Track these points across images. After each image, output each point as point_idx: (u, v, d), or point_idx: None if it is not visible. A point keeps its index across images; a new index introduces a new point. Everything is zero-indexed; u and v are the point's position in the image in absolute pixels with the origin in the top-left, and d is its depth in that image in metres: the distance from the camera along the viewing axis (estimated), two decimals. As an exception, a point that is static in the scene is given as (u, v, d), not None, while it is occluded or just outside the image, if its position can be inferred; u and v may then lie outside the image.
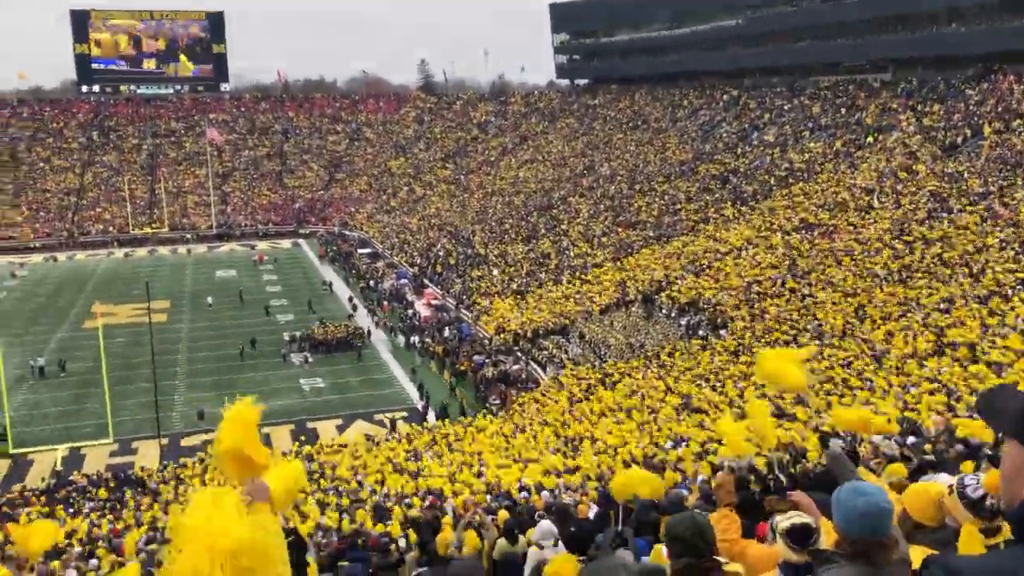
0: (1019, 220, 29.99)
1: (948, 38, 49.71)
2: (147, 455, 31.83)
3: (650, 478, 9.12)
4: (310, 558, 10.51)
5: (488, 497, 17.64)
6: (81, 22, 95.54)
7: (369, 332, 46.79)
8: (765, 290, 34.66)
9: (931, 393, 18.75)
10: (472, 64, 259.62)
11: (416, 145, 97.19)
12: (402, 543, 12.27)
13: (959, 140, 40.13)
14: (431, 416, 35.08)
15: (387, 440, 31.64)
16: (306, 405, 37.20)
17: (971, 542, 3.52)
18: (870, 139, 46.36)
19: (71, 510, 25.01)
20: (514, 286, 49.50)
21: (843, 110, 53.02)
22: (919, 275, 29.38)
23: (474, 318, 46.98)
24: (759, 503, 7.31)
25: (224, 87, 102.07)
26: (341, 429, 34.35)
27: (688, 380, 28.94)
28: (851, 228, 36.62)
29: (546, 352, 39.42)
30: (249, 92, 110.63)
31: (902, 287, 29.17)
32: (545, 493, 16.28)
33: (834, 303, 30.45)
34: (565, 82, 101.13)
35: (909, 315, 26.53)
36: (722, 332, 33.15)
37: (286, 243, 79.11)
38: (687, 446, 19.23)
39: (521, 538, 8.91)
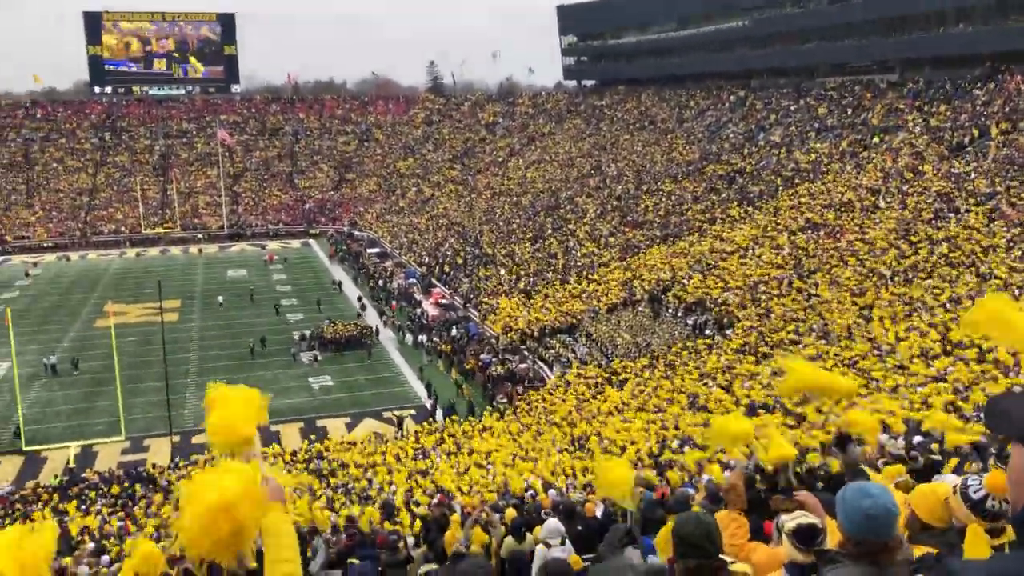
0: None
1: (955, 38, 49.57)
2: (159, 452, 32.05)
3: (620, 481, 7.98)
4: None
5: (496, 495, 17.74)
6: (94, 24, 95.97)
7: (377, 331, 46.97)
8: (771, 290, 34.68)
9: (938, 392, 18.79)
10: (480, 66, 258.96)
11: (425, 146, 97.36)
12: (410, 541, 12.39)
13: (966, 140, 40.05)
14: (439, 414, 35.23)
15: (395, 439, 31.80)
16: (315, 403, 37.39)
17: (977, 543, 3.54)
18: (876, 139, 46.28)
19: (83, 507, 25.24)
20: (521, 285, 49.59)
21: (849, 111, 52.91)
22: (924, 275, 29.35)
23: (481, 317, 47.10)
24: (765, 502, 7.40)
25: (235, 88, 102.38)
26: (350, 427, 34.54)
27: (695, 379, 29.00)
28: (857, 228, 36.59)
29: (553, 351, 39.53)
30: (260, 93, 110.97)
31: (908, 287, 29.16)
32: (552, 491, 16.37)
33: (840, 303, 30.45)
34: (572, 83, 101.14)
35: (915, 315, 26.53)
36: (728, 331, 33.19)
37: (296, 243, 79.37)
38: (698, 449, 19.28)
39: (529, 536, 9.00)
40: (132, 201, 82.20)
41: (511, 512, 11.88)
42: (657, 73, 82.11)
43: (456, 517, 12.85)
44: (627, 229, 52.30)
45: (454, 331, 45.40)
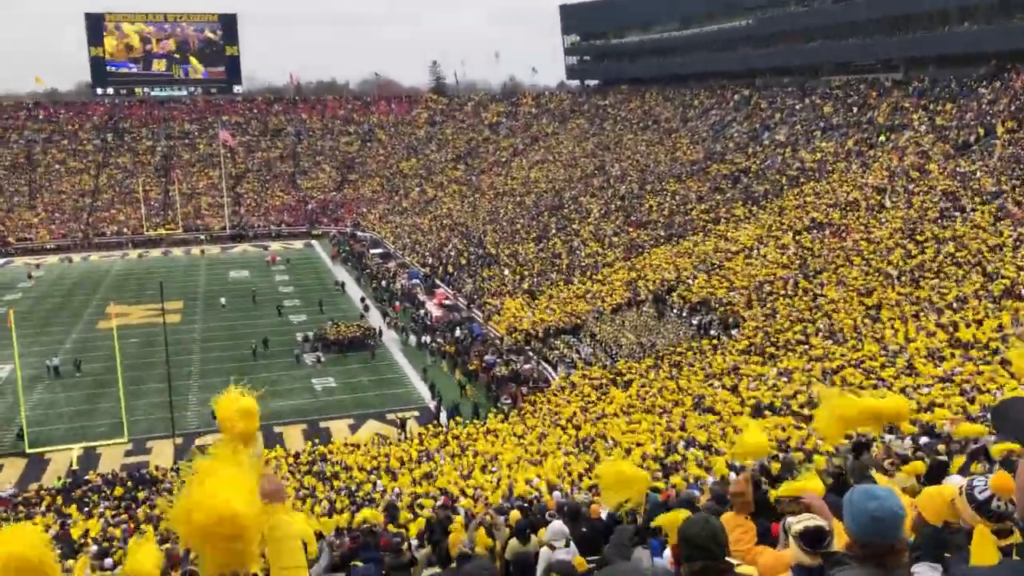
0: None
1: (960, 37, 49.42)
2: (161, 454, 32.01)
3: (635, 479, 7.49)
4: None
5: (500, 498, 17.69)
6: (95, 25, 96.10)
7: (381, 332, 46.94)
8: (776, 290, 34.58)
9: (945, 394, 18.69)
10: (483, 66, 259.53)
11: (428, 146, 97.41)
12: (414, 543, 12.33)
13: (971, 139, 39.92)
14: (442, 416, 35.17)
15: (399, 440, 31.75)
16: (318, 405, 37.34)
17: (983, 545, 3.52)
18: (882, 138, 46.16)
19: (86, 509, 25.21)
20: (525, 286, 49.54)
21: (854, 109, 52.81)
22: (931, 275, 29.23)
23: (485, 318, 47.04)
24: (771, 505, 7.31)
25: (237, 89, 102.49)
26: (353, 429, 34.46)
27: (700, 380, 28.91)
28: (863, 228, 36.49)
29: (557, 352, 39.45)
30: (261, 94, 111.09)
31: (914, 287, 29.04)
32: (556, 493, 16.32)
33: (846, 303, 30.34)
34: (575, 83, 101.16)
35: (922, 315, 26.42)
36: (733, 332, 33.09)
37: (299, 244, 79.39)
38: (704, 451, 19.22)
39: (533, 538, 8.94)
40: (134, 202, 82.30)
41: (515, 514, 11.82)
42: (660, 72, 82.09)
43: (460, 519, 12.80)
44: (631, 229, 52.24)
45: (458, 332, 45.33)
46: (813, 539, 3.80)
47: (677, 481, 14.49)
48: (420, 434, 32.02)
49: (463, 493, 20.26)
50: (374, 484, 23.90)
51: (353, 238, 77.18)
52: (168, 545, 15.82)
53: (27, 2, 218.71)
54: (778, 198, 45.65)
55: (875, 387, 21.32)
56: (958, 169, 37.38)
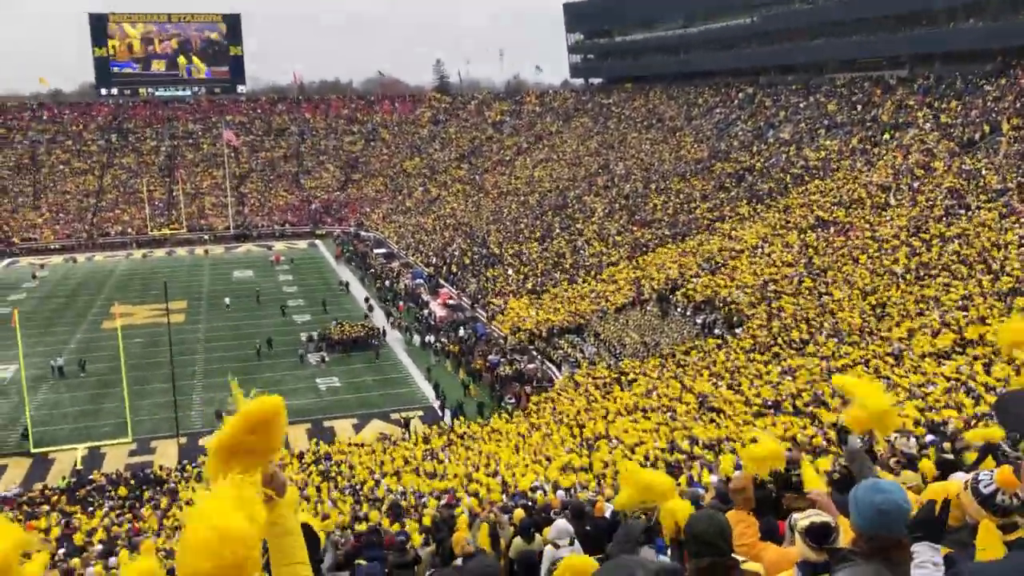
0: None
1: (966, 34, 49.27)
2: (166, 454, 32.06)
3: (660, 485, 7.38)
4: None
5: (504, 496, 17.67)
6: (99, 26, 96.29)
7: (385, 332, 46.94)
8: (781, 288, 34.50)
9: (951, 391, 18.62)
10: (487, 65, 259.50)
11: (431, 145, 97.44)
12: (418, 541, 12.32)
13: (977, 136, 39.79)
14: (446, 416, 35.17)
15: (403, 440, 31.74)
16: (322, 404, 37.36)
17: (989, 540, 3.50)
18: (887, 136, 46.05)
19: (90, 509, 25.24)
20: (529, 285, 49.51)
21: (859, 107, 52.68)
22: (937, 272, 29.14)
23: (489, 317, 47.02)
24: (777, 501, 7.27)
25: (241, 89, 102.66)
26: (357, 428, 34.48)
27: (704, 379, 28.86)
28: (867, 226, 36.40)
29: (561, 351, 39.42)
30: (265, 94, 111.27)
31: (919, 285, 28.96)
32: (560, 492, 16.29)
33: (851, 301, 30.26)
34: (580, 81, 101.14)
35: (927, 313, 26.33)
36: (737, 331, 33.02)
37: (302, 243, 79.48)
38: (709, 450, 19.17)
39: (537, 536, 8.92)
40: (138, 202, 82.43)
41: (519, 513, 11.81)
42: (665, 70, 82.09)
43: (464, 518, 12.79)
44: (635, 228, 52.18)
45: (462, 332, 45.33)
46: (819, 535, 3.78)
47: (681, 480, 14.46)
48: (424, 434, 32.01)
49: (467, 492, 20.24)
50: (377, 483, 23.88)
51: (357, 238, 77.20)
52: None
53: (30, 2, 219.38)
54: (783, 196, 45.57)
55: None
56: (963, 166, 37.27)
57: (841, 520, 3.90)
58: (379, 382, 40.35)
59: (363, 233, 79.15)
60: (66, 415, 36.43)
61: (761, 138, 57.76)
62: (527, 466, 23.41)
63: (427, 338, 45.74)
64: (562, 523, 8.29)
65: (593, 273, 47.45)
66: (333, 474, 26.73)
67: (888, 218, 36.32)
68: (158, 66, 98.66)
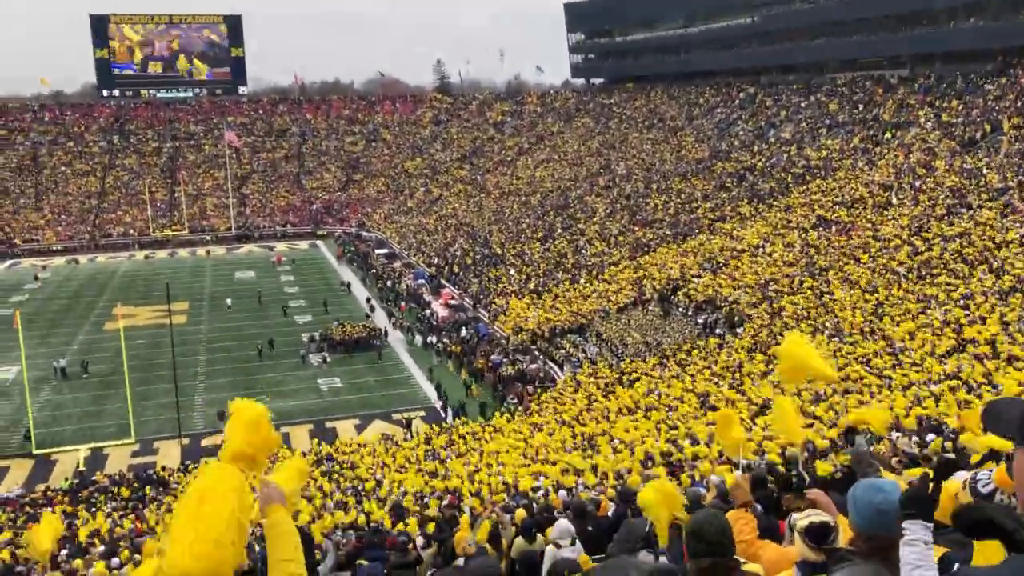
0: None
1: (966, 33, 49.25)
2: (168, 455, 32.10)
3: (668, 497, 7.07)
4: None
5: (506, 496, 17.67)
6: (100, 27, 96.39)
7: (386, 332, 46.97)
8: (782, 288, 34.50)
9: (952, 390, 18.60)
10: (488, 65, 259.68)
11: (433, 146, 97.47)
12: (419, 542, 12.34)
13: (978, 135, 39.78)
14: (448, 416, 35.19)
15: (405, 440, 31.76)
16: (324, 405, 37.40)
17: (987, 541, 3.49)
18: (888, 135, 46.03)
19: (93, 510, 25.27)
20: (531, 285, 49.53)
21: (860, 106, 52.66)
22: (938, 271, 29.13)
23: (491, 318, 47.05)
24: (778, 501, 7.30)
25: (242, 90, 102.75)
26: (359, 429, 34.51)
27: (705, 378, 28.85)
28: (869, 225, 36.39)
29: (563, 351, 39.44)
30: (266, 95, 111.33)
31: (921, 284, 28.95)
32: (562, 492, 16.31)
33: (852, 300, 30.24)
34: (581, 82, 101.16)
35: (928, 312, 26.32)
36: (739, 330, 33.02)
37: (304, 244, 79.56)
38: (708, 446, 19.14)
39: (539, 537, 8.93)
40: (140, 204, 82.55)
41: (521, 513, 11.83)
42: (665, 70, 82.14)
43: (466, 518, 12.81)
44: (637, 228, 52.19)
45: (464, 332, 45.36)
46: (818, 535, 3.79)
47: (683, 479, 14.47)
48: (426, 434, 32.03)
49: (469, 492, 20.25)
50: (379, 483, 23.90)
51: (358, 238, 77.26)
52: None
53: (32, 4, 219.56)
54: (784, 196, 45.56)
55: (881, 385, 21.27)
56: (964, 166, 37.26)
57: (840, 520, 3.92)
58: (381, 382, 40.39)
59: (364, 233, 79.20)
60: (69, 416, 36.49)
61: (762, 138, 57.75)
62: (529, 466, 23.43)
63: (429, 338, 45.77)
64: (564, 523, 8.31)
65: (595, 273, 47.45)
66: (335, 475, 26.75)
67: (889, 217, 36.32)
68: (159, 68, 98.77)
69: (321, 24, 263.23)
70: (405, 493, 21.14)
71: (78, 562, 17.01)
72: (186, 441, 32.90)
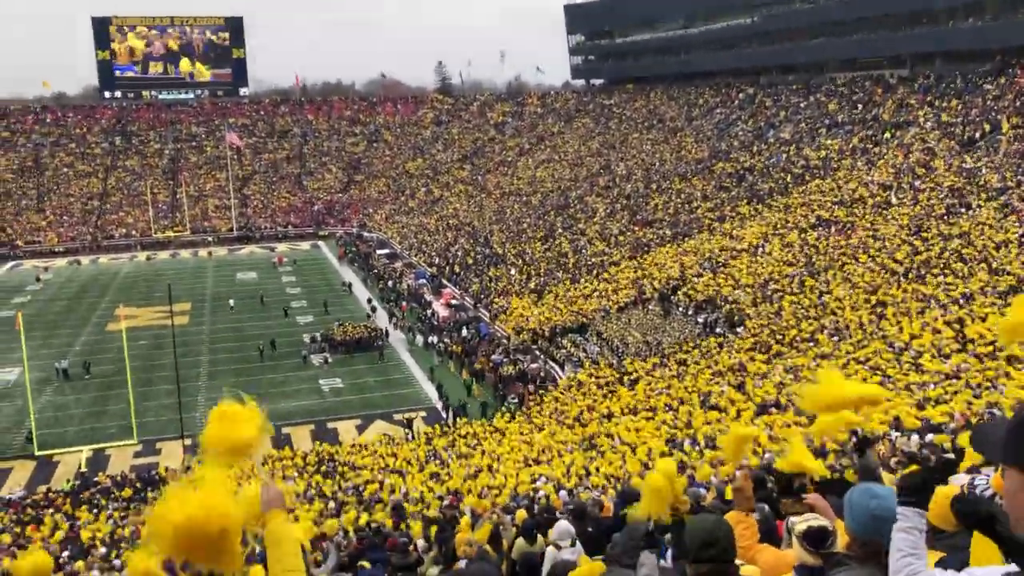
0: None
1: (965, 33, 49.25)
2: (171, 456, 32.11)
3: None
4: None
5: (507, 497, 17.72)
6: (102, 29, 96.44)
7: (387, 332, 47.00)
8: (782, 287, 34.53)
9: (954, 391, 18.64)
10: (488, 66, 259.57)
11: (434, 146, 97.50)
12: (420, 543, 12.38)
13: (977, 135, 39.80)
14: (449, 416, 35.21)
15: (406, 441, 31.79)
16: (325, 405, 37.43)
17: (985, 546, 3.51)
18: (887, 135, 46.04)
19: (95, 511, 25.30)
20: (532, 285, 49.56)
21: (860, 106, 52.67)
22: (937, 271, 29.15)
23: (492, 317, 47.08)
24: (776, 504, 7.32)
25: (244, 91, 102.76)
26: (361, 429, 34.54)
27: (706, 378, 28.89)
28: (868, 225, 36.41)
29: (564, 351, 39.47)
30: (268, 96, 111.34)
31: (920, 283, 28.96)
32: (563, 492, 16.35)
33: (852, 300, 30.26)
34: (581, 82, 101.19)
35: (928, 311, 26.35)
36: (739, 329, 33.05)
37: (305, 245, 79.59)
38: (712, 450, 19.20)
39: (540, 538, 8.97)
40: (142, 205, 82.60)
41: (522, 514, 11.86)
42: (665, 71, 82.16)
43: (466, 519, 12.84)
44: (637, 228, 52.22)
45: (465, 332, 45.40)
46: (816, 539, 3.81)
47: (682, 479, 14.49)
48: (427, 434, 32.06)
49: (470, 491, 20.29)
50: (381, 484, 23.94)
51: (360, 239, 77.29)
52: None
53: (33, 5, 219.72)
54: (783, 196, 45.58)
55: (881, 383, 21.28)
56: (964, 165, 37.28)
57: (838, 524, 3.94)
58: (382, 383, 40.42)
59: (366, 234, 79.22)
60: (71, 417, 36.54)
61: (761, 138, 57.77)
62: (530, 466, 23.47)
63: (430, 338, 45.80)
64: (564, 524, 8.33)
65: (595, 273, 47.48)
66: (336, 475, 26.78)
67: (889, 217, 36.34)
68: (160, 69, 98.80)
69: (322, 25, 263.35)
70: (406, 494, 21.19)
71: (79, 564, 17.05)
72: (189, 442, 32.86)
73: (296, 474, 27.15)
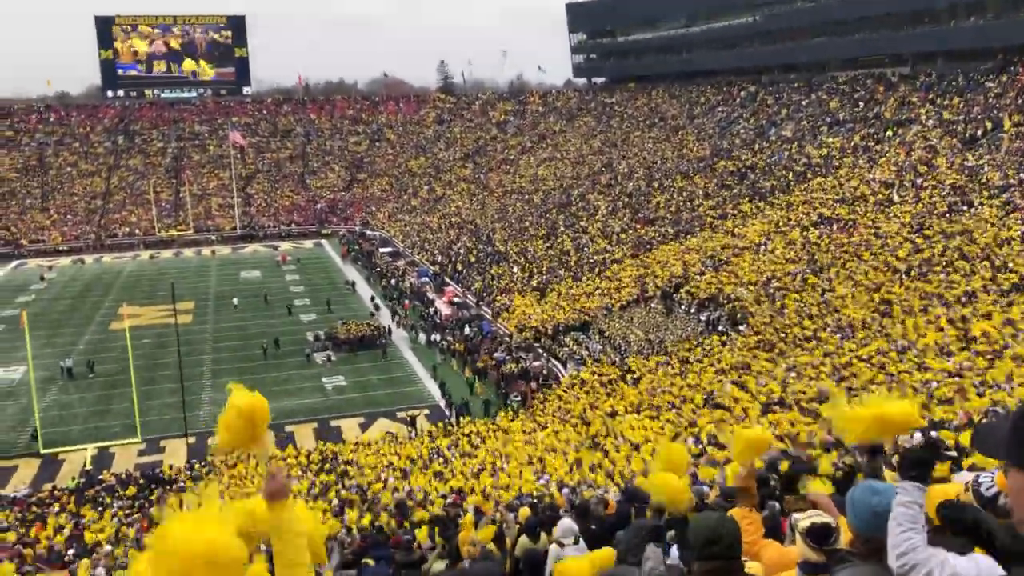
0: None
1: (967, 31, 49.21)
2: (175, 454, 32.23)
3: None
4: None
5: (510, 495, 17.76)
6: (105, 28, 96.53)
7: (390, 330, 47.07)
8: (784, 285, 34.53)
9: (957, 389, 18.66)
10: (491, 65, 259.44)
11: (436, 145, 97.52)
12: (424, 541, 12.42)
13: (979, 133, 39.79)
14: (452, 414, 35.27)
15: (410, 439, 31.85)
16: (329, 404, 37.50)
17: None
18: (889, 133, 46.02)
19: (99, 509, 25.38)
20: (534, 283, 49.60)
21: (861, 104, 52.64)
22: (939, 269, 29.14)
23: (495, 315, 47.13)
24: (780, 500, 7.36)
25: (246, 90, 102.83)
26: (364, 427, 34.61)
27: (709, 376, 28.91)
28: (870, 223, 36.39)
29: (567, 349, 39.51)
30: (271, 95, 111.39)
31: (922, 281, 28.95)
32: (566, 490, 16.38)
33: (855, 298, 30.26)
34: (582, 81, 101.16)
35: (931, 309, 26.35)
36: (741, 327, 33.06)
37: (308, 243, 79.64)
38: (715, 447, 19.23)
39: (543, 536, 9.00)
40: (145, 204, 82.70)
41: (525, 511, 11.90)
42: (667, 70, 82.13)
43: (470, 517, 12.88)
44: (639, 226, 52.24)
45: (467, 330, 45.45)
46: (820, 536, 3.84)
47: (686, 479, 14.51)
48: (430, 432, 32.11)
49: (473, 491, 20.35)
50: (384, 482, 24.00)
51: (362, 237, 77.37)
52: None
53: (37, 5, 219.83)
54: (785, 194, 45.57)
55: (883, 382, 21.30)
56: (966, 163, 37.26)
57: (842, 521, 3.97)
58: (385, 381, 40.48)
59: (369, 232, 79.31)
60: (75, 416, 36.62)
61: (763, 136, 57.75)
62: (533, 464, 23.53)
63: (433, 336, 45.86)
64: (567, 522, 8.35)
65: (597, 271, 47.52)
66: (340, 473, 26.84)
67: (891, 215, 36.32)
68: (163, 68, 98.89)
69: (324, 25, 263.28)
70: (410, 492, 21.25)
71: (85, 562, 17.15)
72: (192, 440, 33.00)
73: (300, 473, 27.21)
